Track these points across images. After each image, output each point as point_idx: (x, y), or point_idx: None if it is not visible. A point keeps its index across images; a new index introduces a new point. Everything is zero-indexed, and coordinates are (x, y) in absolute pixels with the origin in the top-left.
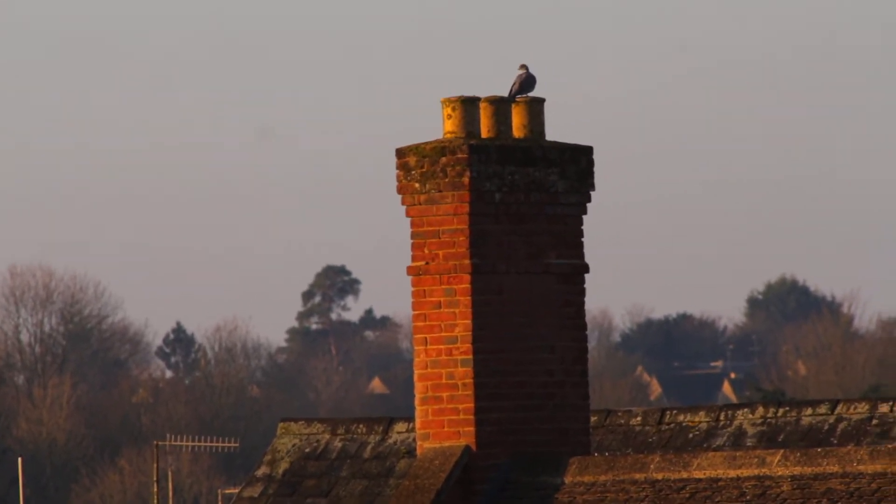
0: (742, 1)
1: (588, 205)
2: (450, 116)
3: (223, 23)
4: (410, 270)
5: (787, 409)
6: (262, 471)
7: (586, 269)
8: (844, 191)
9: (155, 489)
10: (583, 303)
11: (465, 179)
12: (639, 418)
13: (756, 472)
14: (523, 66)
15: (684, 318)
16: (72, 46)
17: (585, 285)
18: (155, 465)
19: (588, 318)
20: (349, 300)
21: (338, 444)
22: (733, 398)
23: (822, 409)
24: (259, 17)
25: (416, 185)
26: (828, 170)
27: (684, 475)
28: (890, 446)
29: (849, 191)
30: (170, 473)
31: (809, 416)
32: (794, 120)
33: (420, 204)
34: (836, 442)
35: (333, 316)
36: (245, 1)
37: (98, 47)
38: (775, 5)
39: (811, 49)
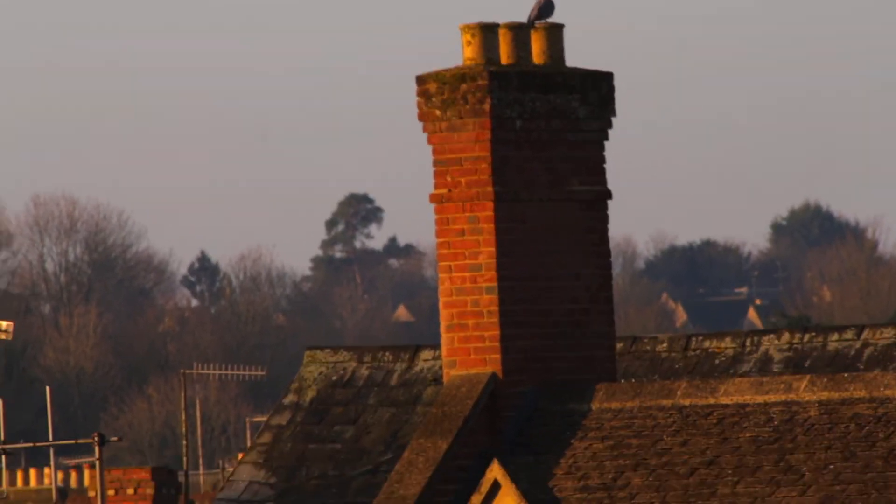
0: None
1: (609, 131)
2: (469, 43)
3: None
4: (433, 198)
5: (813, 334)
6: (289, 399)
7: (609, 195)
8: (867, 115)
9: (183, 417)
10: (606, 230)
11: (486, 106)
12: (665, 345)
13: (783, 397)
14: None
15: (708, 245)
16: None
17: (608, 212)
18: (182, 394)
19: (612, 245)
20: (373, 228)
21: (364, 371)
22: (759, 324)
23: (849, 334)
24: None
25: (437, 112)
26: (851, 94)
27: (711, 401)
28: None
29: (872, 115)
30: (197, 402)
31: (836, 341)
32: (817, 44)
33: (441, 131)
34: (862, 367)
35: (357, 244)
36: None
37: None
38: None
39: None
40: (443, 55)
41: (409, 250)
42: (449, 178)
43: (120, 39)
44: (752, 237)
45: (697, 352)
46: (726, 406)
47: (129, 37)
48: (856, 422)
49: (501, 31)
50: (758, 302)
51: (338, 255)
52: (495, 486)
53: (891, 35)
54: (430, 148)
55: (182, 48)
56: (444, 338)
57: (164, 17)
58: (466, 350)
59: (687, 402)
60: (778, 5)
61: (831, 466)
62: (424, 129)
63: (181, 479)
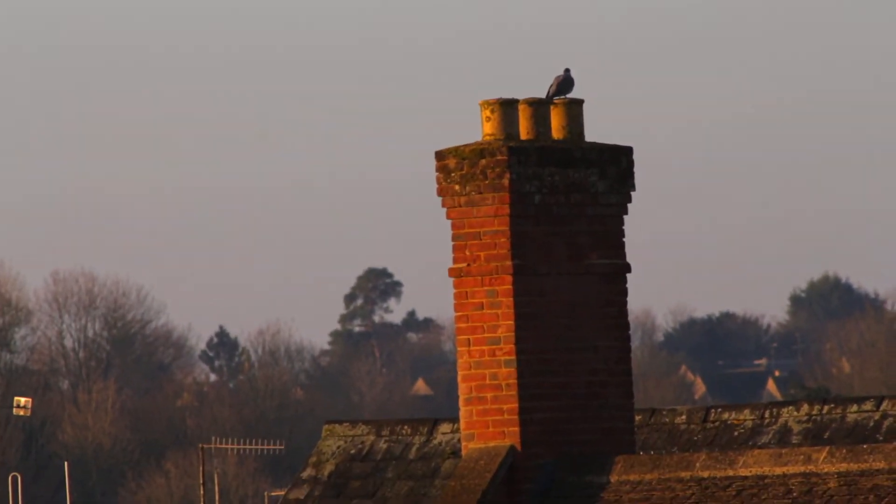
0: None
1: (629, 205)
2: (489, 119)
3: (257, 26)
4: (452, 272)
5: (832, 406)
6: (307, 473)
7: (628, 268)
8: (887, 187)
9: (201, 492)
10: (625, 303)
11: (505, 181)
12: (683, 417)
13: (802, 469)
14: (566, 70)
15: (727, 317)
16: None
17: (627, 285)
18: (201, 468)
19: (631, 317)
20: (391, 302)
21: (383, 445)
22: (778, 396)
23: (868, 405)
24: (302, 17)
25: (457, 187)
26: (870, 166)
27: (730, 473)
28: None
29: (892, 187)
30: (216, 476)
31: (855, 412)
32: (833, 115)
33: (460, 206)
34: (881, 438)
35: (376, 318)
36: (285, 8)
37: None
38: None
39: (847, 49)
40: (462, 130)
41: (427, 324)
42: (468, 253)
43: (134, 117)
44: (771, 309)
45: (716, 424)
46: (745, 478)
47: (141, 116)
48: (875, 493)
49: (521, 107)
50: (777, 374)
51: (356, 329)
52: None
53: None
54: (449, 222)
55: (197, 121)
56: (463, 411)
57: (177, 99)
58: (485, 423)
59: (706, 474)
60: (795, 79)
61: None
62: (443, 204)
63: None
